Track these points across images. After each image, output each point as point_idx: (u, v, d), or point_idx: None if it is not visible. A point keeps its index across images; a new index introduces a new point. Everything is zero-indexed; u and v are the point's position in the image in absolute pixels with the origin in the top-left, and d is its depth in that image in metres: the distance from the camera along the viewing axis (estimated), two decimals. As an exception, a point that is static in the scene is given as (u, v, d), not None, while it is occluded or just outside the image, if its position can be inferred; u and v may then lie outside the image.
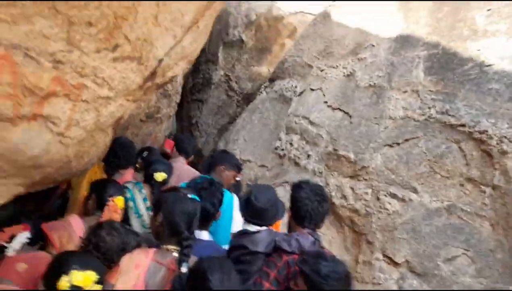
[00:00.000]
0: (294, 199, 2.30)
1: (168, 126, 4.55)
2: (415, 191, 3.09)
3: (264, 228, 2.32)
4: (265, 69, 6.51)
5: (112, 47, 1.84)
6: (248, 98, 6.39)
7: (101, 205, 2.50)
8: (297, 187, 2.35)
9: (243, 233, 2.34)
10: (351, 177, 3.60)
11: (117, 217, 2.47)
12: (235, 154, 5.32)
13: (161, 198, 1.94)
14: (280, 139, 4.73)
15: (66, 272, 1.50)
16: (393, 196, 3.21)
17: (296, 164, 4.24)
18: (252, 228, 2.32)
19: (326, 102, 4.29)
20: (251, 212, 2.31)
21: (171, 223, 1.84)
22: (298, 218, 2.28)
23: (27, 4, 1.41)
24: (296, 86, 5.06)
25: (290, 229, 2.38)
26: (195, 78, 6.40)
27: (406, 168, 3.20)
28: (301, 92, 4.79)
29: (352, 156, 3.62)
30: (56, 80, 1.64)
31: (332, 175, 3.79)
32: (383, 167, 3.36)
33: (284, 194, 4.16)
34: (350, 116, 3.90)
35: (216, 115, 6.45)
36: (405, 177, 3.18)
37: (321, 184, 3.87)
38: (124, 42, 1.87)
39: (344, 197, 3.58)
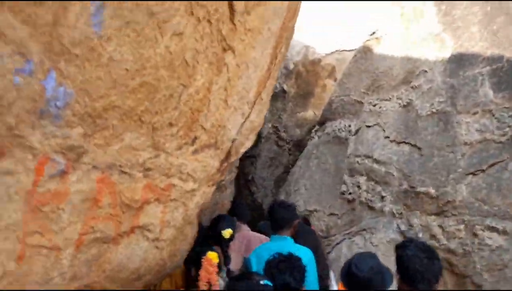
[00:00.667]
0: (400, 259, 2.13)
1: (231, 190, 4.52)
2: (517, 220, 2.81)
3: None
4: (310, 113, 6.47)
5: (192, 141, 1.83)
6: (298, 145, 6.32)
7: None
8: (401, 247, 2.18)
9: None
10: (437, 214, 3.35)
11: (214, 271, 2.49)
12: (299, 205, 5.19)
13: (234, 288, 1.85)
14: (345, 183, 4.55)
15: None
16: (492, 229, 2.93)
17: (370, 208, 4.03)
18: None
19: (387, 137, 4.12)
20: (353, 282, 2.15)
21: None
22: (408, 280, 2.09)
23: (117, 124, 1.42)
24: (349, 126, 4.94)
25: None
26: (244, 135, 6.43)
27: (500, 196, 2.93)
28: (357, 131, 4.65)
29: (432, 191, 3.39)
30: (147, 187, 1.63)
31: (414, 214, 3.55)
32: (471, 198, 3.11)
33: (363, 244, 3.94)
34: (419, 149, 3.70)
35: (270, 167, 6.40)
36: (501, 206, 2.91)
37: (403, 225, 3.63)
38: (201, 132, 1.86)
39: (434, 237, 3.32)
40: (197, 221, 2.11)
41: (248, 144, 2.38)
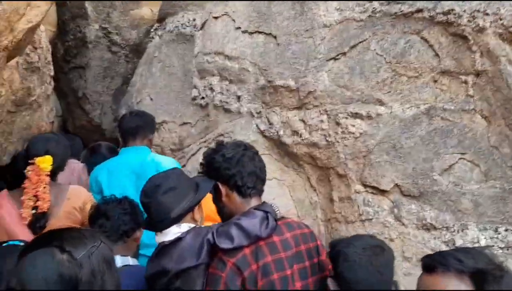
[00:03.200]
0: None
1: (51, 108, 3.46)
2: (381, 103, 2.62)
3: (183, 226, 1.58)
4: (147, 11, 5.44)
5: None
6: (137, 49, 5.34)
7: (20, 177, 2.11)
8: (211, 153, 1.69)
9: (159, 250, 1.59)
10: (298, 108, 3.03)
11: (44, 180, 2.05)
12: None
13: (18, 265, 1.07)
14: (195, 86, 3.92)
15: None
16: (355, 115, 2.72)
17: (226, 110, 3.53)
18: (167, 236, 1.57)
19: (239, 28, 3.54)
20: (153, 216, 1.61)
21: None
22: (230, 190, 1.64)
23: None
24: (194, 19, 4.19)
25: (225, 215, 1.67)
26: (65, 42, 5.09)
27: (363, 79, 2.69)
28: (203, 24, 3.95)
29: (292, 83, 3.01)
30: None
31: (274, 111, 3.17)
32: (334, 86, 2.82)
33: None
34: (275, 37, 3.23)
35: (105, 79, 5.33)
36: (365, 90, 2.68)
37: (263, 125, 3.25)
38: None
39: (296, 132, 3.02)
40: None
41: (32, 15, 1.45)
